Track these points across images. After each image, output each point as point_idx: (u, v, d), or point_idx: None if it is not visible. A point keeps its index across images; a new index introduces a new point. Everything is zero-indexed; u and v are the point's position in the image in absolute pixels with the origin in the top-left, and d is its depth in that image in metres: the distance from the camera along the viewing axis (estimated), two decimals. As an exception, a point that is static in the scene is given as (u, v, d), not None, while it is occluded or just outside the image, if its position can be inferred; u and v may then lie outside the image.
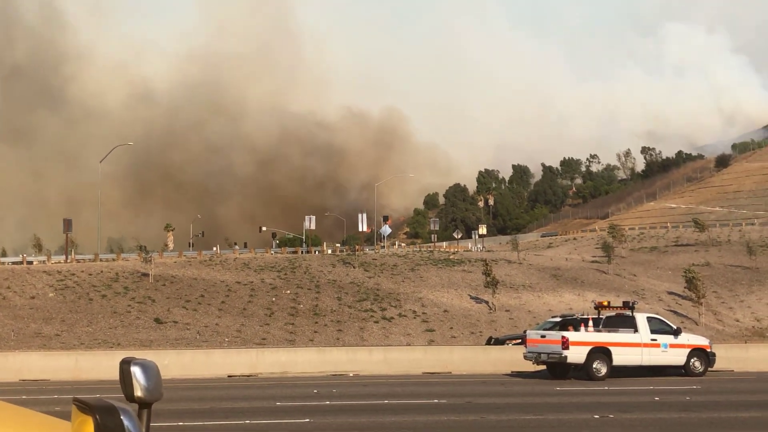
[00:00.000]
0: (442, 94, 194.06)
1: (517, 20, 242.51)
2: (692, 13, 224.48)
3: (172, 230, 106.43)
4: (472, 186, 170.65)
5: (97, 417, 2.21)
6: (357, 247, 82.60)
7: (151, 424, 2.64)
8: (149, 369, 2.76)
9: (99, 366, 31.50)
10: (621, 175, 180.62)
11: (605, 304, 33.22)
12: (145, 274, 62.47)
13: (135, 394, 2.69)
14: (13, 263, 71.03)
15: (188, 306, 57.50)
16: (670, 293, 68.44)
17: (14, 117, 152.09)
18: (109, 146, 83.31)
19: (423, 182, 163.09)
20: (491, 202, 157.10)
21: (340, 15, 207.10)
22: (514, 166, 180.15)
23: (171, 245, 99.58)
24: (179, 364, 32.93)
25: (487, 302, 61.95)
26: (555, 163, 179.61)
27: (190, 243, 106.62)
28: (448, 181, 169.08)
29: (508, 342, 41.70)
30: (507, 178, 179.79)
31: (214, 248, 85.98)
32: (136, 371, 2.72)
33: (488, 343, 45.14)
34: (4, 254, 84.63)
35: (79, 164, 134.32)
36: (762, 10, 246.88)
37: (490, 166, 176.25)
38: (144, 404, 2.63)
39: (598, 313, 32.36)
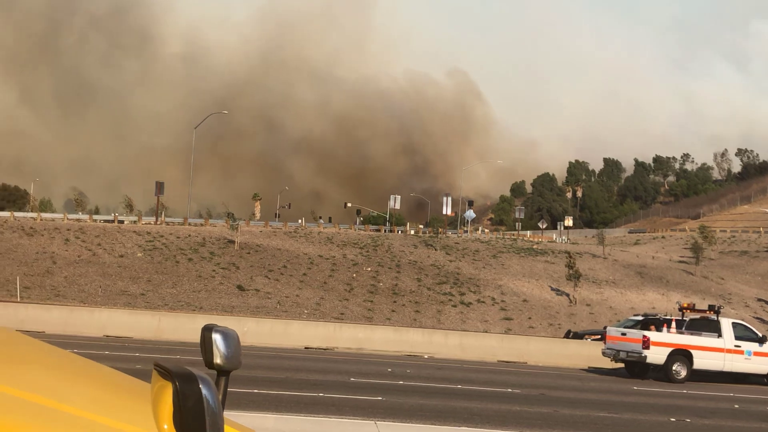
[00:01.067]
0: (528, 79, 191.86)
1: (608, 7, 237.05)
2: None
3: (260, 200, 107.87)
4: (560, 176, 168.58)
5: (177, 383, 2.22)
6: (440, 229, 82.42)
7: (227, 391, 2.66)
8: (230, 337, 2.77)
9: (181, 328, 32.18)
10: (715, 175, 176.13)
11: (690, 306, 32.52)
12: (231, 241, 63.52)
13: (214, 361, 2.70)
14: (105, 221, 72.97)
15: (270, 276, 58.29)
16: (758, 300, 66.62)
17: (96, 75, 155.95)
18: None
19: (510, 169, 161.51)
20: (579, 194, 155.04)
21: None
22: (605, 159, 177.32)
23: (258, 214, 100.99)
24: (258, 332, 33.42)
25: (568, 295, 61.25)
26: (647, 159, 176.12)
27: (276, 213, 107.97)
28: (536, 169, 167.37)
29: (587, 337, 41.18)
30: (597, 171, 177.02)
31: (300, 220, 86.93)
32: (217, 339, 2.73)
33: (567, 336, 44.66)
34: (97, 212, 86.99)
35: (167, 128, 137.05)
36: None
37: (580, 158, 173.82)
38: (223, 372, 2.64)
39: (682, 315, 31.69)
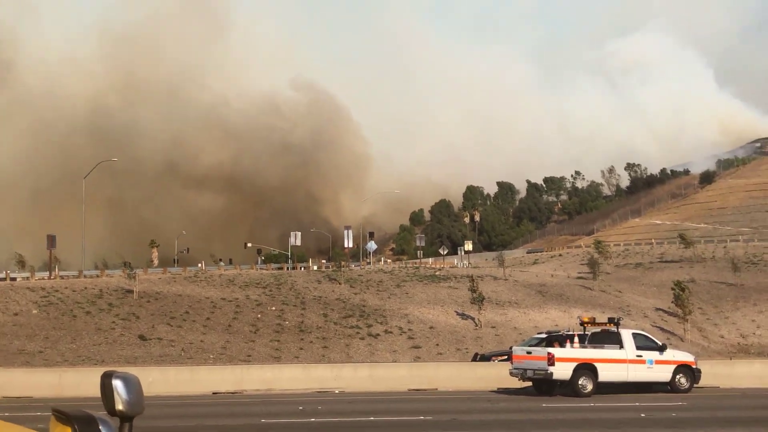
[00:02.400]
0: (406, 108, 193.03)
1: (473, 30, 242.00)
2: (673, 33, 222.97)
3: (157, 246, 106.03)
4: (456, 202, 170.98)
5: (76, 427, 2.16)
6: (343, 263, 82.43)
7: (133, 440, 2.58)
8: (131, 382, 2.71)
9: (83, 382, 31.24)
10: (606, 191, 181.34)
11: (591, 320, 33.25)
12: (130, 291, 62.16)
13: (116, 407, 2.64)
14: (-3, 280, 70.55)
15: (173, 323, 57.21)
16: (656, 309, 68.59)
17: None
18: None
19: (409, 198, 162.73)
20: (477, 218, 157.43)
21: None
22: (498, 183, 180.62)
23: (156, 261, 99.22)
24: (163, 381, 32.70)
25: (473, 318, 61.89)
26: (539, 180, 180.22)
27: (175, 259, 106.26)
28: (432, 196, 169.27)
29: (494, 358, 41.61)
30: (492, 195, 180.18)
31: (199, 264, 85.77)
32: (117, 384, 2.67)
33: (474, 359, 45.05)
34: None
35: (62, 179, 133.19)
36: (726, 28, 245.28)
37: (474, 182, 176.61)
38: (125, 418, 2.57)
39: (584, 330, 32.37)
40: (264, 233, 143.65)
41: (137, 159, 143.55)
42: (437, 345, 57.00)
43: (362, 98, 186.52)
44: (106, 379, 2.71)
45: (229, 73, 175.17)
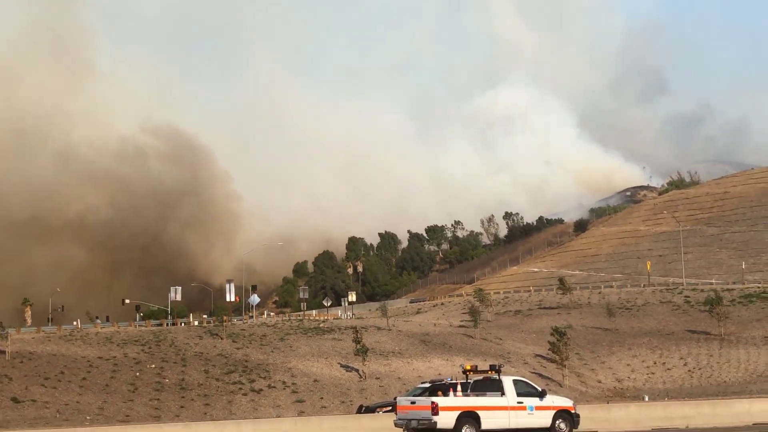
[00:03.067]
0: (272, 158, 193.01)
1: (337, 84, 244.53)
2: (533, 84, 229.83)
3: (30, 305, 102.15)
4: (340, 253, 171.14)
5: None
6: (225, 317, 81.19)
7: None
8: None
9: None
10: (485, 240, 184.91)
11: (473, 368, 33.68)
12: (2, 351, 59.70)
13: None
14: None
15: (47, 383, 55.18)
16: (536, 355, 70.00)
17: None
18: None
19: (292, 250, 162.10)
20: (360, 268, 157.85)
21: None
22: (380, 234, 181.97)
23: (29, 320, 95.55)
24: (37, 445, 31.47)
25: (357, 370, 61.85)
26: (420, 230, 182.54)
27: (49, 318, 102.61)
28: (316, 248, 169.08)
29: (378, 410, 41.65)
30: (375, 245, 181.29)
31: (75, 322, 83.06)
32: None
33: (359, 411, 44.98)
34: None
35: None
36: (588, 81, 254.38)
37: (357, 234, 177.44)
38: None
39: (467, 378, 32.76)
40: (142, 289, 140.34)
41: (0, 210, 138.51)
42: (322, 398, 56.66)
43: (234, 150, 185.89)
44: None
45: (91, 118, 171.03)
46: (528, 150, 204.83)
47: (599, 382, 66.79)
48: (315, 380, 59.78)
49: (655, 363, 70.58)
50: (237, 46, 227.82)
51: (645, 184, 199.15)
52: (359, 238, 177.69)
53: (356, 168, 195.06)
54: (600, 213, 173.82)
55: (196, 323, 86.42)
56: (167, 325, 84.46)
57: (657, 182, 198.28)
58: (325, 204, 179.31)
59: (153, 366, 60.56)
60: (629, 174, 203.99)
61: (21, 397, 52.41)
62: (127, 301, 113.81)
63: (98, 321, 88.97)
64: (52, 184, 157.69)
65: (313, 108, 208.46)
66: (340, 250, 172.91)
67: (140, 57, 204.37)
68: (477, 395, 31.35)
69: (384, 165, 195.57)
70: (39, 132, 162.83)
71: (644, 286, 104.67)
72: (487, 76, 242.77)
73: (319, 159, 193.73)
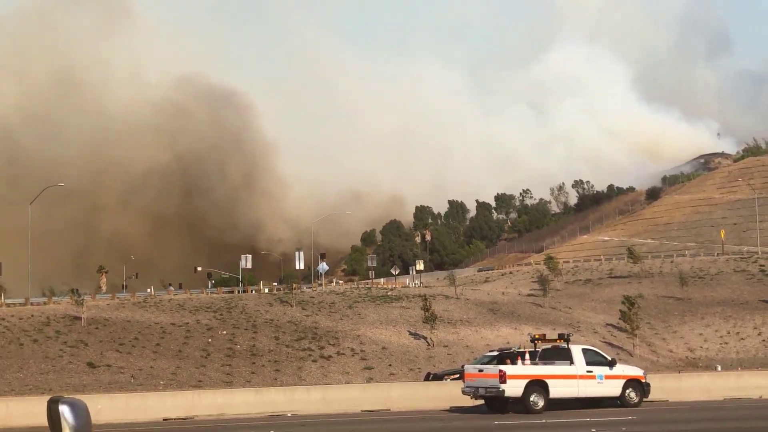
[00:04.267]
0: (330, 127, 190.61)
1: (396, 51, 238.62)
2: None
3: (106, 272, 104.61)
4: (407, 222, 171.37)
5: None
6: (294, 285, 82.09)
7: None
8: (78, 408, 2.73)
9: (30, 412, 30.71)
10: (554, 209, 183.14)
11: (541, 336, 33.53)
12: (78, 318, 61.24)
13: (63, 433, 2.67)
14: (-60, 309, 69.11)
15: (122, 349, 56.48)
16: (605, 325, 69.31)
17: None
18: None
19: (360, 218, 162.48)
20: (428, 237, 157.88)
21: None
22: (449, 202, 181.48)
23: (104, 287, 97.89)
24: (113, 408, 32.26)
25: (425, 338, 62.00)
26: (488, 199, 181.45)
27: (123, 284, 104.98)
28: (386, 217, 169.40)
29: (446, 377, 41.75)
30: (443, 214, 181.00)
31: (149, 289, 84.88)
32: (64, 410, 2.69)
33: (426, 379, 45.14)
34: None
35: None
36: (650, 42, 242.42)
37: (425, 203, 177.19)
38: (72, 444, 2.60)
39: (535, 346, 32.64)
40: (214, 256, 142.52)
41: (69, 177, 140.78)
42: (390, 365, 56.98)
43: (282, 115, 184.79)
44: (52, 405, 2.74)
45: (132, 71, 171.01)
46: (589, 115, 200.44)
47: (671, 351, 65.89)
48: (383, 347, 60.12)
49: (728, 332, 69.37)
50: (286, 9, 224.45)
51: (719, 151, 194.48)
52: (426, 206, 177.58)
53: (413, 134, 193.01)
54: (672, 181, 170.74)
55: (266, 291, 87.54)
56: (238, 292, 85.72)
57: (727, 147, 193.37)
58: (389, 172, 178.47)
59: (224, 332, 61.54)
60: (698, 140, 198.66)
61: (96, 362, 53.75)
62: (199, 268, 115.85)
63: (171, 288, 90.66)
64: (102, 142, 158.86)
65: (364, 72, 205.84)
66: (407, 220, 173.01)
67: (185, 11, 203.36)
68: (545, 364, 31.23)
69: (441, 132, 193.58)
70: (87, 84, 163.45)
71: (718, 254, 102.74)
72: (543, 37, 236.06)
73: (375, 125, 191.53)
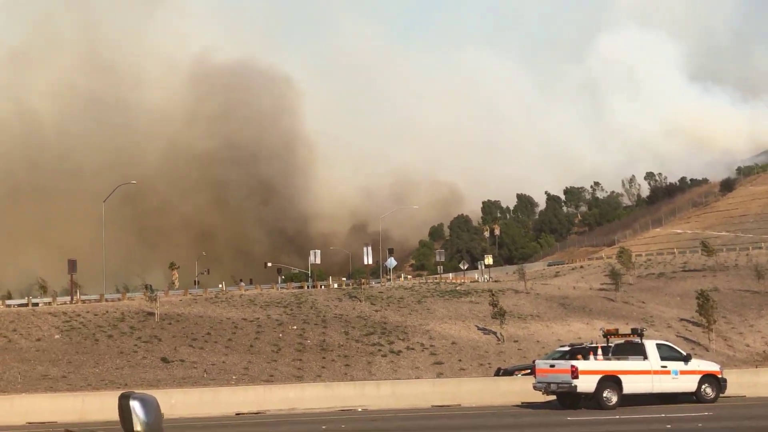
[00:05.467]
0: (433, 122, 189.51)
1: (496, 43, 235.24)
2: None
3: (177, 268, 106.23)
4: (475, 217, 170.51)
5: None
6: (363, 280, 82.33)
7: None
8: (149, 403, 2.68)
9: (106, 407, 31.22)
10: (626, 201, 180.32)
11: (614, 331, 33.00)
12: (151, 313, 62.29)
13: (134, 429, 2.62)
14: (19, 305, 70.93)
15: (195, 344, 57.26)
16: (680, 320, 68.05)
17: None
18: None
19: (427, 213, 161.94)
20: (497, 232, 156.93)
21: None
22: (518, 196, 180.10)
23: (177, 283, 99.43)
24: (186, 403, 32.68)
25: (495, 333, 61.63)
26: (558, 192, 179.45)
27: (195, 280, 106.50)
28: (452, 212, 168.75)
29: (517, 373, 41.41)
30: (511, 208, 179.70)
31: (220, 285, 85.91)
32: (135, 405, 2.64)
33: (497, 374, 44.83)
34: (9, 297, 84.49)
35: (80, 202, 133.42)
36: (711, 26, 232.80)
37: (493, 197, 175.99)
38: (143, 439, 2.55)
39: (607, 341, 32.13)
40: (283, 252, 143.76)
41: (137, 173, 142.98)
42: (459, 360, 56.77)
43: (340, 109, 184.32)
44: (123, 401, 2.68)
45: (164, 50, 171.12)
46: (646, 104, 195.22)
47: (747, 346, 64.39)
48: (453, 342, 59.92)
49: (807, 327, 67.55)
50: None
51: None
52: (495, 201, 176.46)
53: (467, 126, 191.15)
54: (747, 172, 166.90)
55: (335, 286, 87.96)
56: (307, 287, 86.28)
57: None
58: (455, 167, 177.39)
59: (295, 327, 62.00)
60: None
61: (170, 357, 54.57)
62: (269, 264, 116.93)
63: (242, 283, 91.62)
64: (161, 132, 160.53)
65: (419, 66, 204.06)
66: (475, 213, 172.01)
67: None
68: (618, 359, 30.71)
69: (496, 124, 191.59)
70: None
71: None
72: (597, 22, 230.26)
73: (428, 117, 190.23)
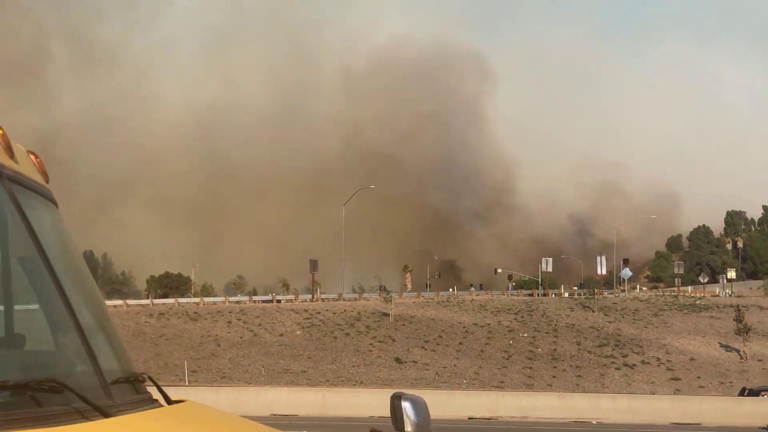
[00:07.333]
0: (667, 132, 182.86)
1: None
2: None
3: (410, 271, 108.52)
4: (715, 228, 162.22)
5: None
6: (596, 290, 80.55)
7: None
8: (419, 405, 2.78)
9: (345, 403, 32.40)
10: None
11: None
12: (386, 314, 63.94)
13: (405, 429, 2.72)
14: (263, 302, 74.94)
15: (427, 346, 58.20)
16: None
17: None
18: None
19: (659, 222, 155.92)
20: (740, 244, 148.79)
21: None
22: (765, 207, 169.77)
23: (409, 285, 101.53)
24: (419, 404, 33.23)
25: (737, 351, 58.46)
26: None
27: (427, 283, 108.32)
28: (689, 223, 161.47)
29: (762, 393, 39.12)
30: (756, 220, 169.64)
31: (451, 289, 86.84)
32: (406, 406, 2.75)
33: (742, 393, 42.53)
34: (255, 293, 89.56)
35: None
36: None
37: (735, 207, 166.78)
38: (414, 440, 2.65)
39: None
40: (511, 259, 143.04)
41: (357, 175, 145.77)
42: (698, 377, 54.32)
43: (546, 107, 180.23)
44: (395, 401, 2.81)
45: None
46: None
47: None
48: (691, 358, 57.43)
49: None
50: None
51: None
52: (740, 211, 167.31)
53: (700, 132, 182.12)
54: None
55: (566, 295, 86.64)
56: (538, 295, 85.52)
57: None
58: (695, 175, 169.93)
59: (525, 335, 61.62)
60: None
61: (403, 358, 55.78)
62: (500, 270, 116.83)
63: (473, 288, 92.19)
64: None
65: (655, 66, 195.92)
66: (716, 226, 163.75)
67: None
68: None
69: (732, 131, 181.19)
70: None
71: None
72: None
73: (658, 121, 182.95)
